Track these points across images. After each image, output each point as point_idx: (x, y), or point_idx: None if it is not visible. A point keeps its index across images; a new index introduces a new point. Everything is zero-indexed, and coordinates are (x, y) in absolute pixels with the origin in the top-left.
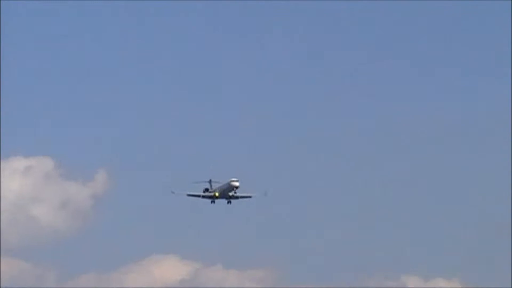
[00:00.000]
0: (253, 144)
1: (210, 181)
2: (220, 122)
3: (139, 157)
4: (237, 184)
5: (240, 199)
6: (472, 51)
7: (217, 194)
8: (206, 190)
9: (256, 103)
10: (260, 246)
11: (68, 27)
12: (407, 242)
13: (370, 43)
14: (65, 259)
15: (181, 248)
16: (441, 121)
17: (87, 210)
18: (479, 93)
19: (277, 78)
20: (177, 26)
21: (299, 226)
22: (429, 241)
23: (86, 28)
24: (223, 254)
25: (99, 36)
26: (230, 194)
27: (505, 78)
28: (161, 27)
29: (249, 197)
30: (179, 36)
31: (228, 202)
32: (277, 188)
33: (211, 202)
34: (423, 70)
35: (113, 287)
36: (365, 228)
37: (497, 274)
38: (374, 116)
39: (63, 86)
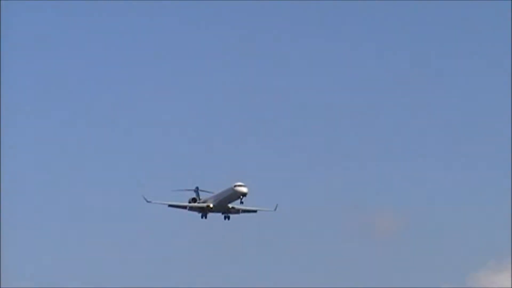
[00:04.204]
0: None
1: (196, 189)
2: None
3: None
4: (245, 190)
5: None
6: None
7: (211, 206)
8: (193, 200)
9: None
10: None
11: None
12: None
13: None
14: None
15: None
16: None
17: None
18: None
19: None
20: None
21: None
22: None
23: None
24: None
25: None
26: (231, 206)
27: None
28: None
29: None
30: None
31: (225, 218)
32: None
33: (202, 216)
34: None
35: None
36: None
37: None
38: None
39: None
